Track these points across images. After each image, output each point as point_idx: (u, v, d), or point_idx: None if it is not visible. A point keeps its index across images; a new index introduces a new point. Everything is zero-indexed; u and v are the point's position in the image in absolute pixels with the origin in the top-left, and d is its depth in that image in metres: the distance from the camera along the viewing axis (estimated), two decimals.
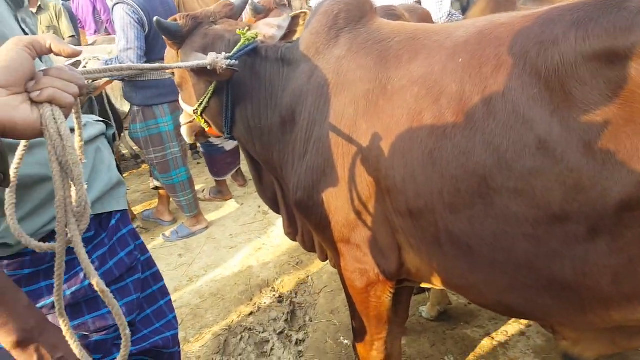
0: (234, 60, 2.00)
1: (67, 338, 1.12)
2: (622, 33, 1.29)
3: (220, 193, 5.82)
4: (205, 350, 3.42)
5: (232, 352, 3.38)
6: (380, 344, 2.26)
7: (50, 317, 1.42)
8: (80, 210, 1.06)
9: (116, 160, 1.79)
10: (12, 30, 1.36)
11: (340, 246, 2.04)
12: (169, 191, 4.99)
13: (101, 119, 1.78)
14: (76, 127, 1.17)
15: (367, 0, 2.01)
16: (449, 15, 4.31)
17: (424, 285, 2.11)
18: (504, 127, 1.44)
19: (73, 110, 1.11)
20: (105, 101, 4.92)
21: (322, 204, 2.00)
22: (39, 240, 1.41)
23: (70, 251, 1.51)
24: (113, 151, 1.80)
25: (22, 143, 1.10)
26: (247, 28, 2.26)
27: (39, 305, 1.44)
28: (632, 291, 1.42)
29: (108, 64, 4.09)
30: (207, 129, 2.59)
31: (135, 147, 7.15)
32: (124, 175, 7.05)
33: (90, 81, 1.15)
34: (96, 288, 1.05)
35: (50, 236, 1.46)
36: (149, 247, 1.99)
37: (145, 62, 4.22)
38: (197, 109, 2.39)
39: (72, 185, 1.04)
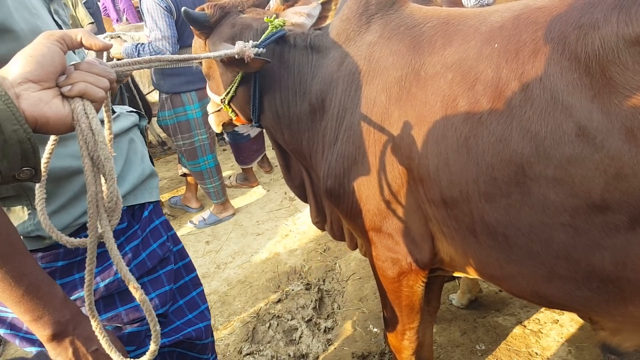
0: (261, 49, 1.98)
1: (97, 333, 1.12)
2: None
3: (247, 180, 5.84)
4: (234, 337, 3.44)
5: (260, 339, 3.39)
6: (412, 334, 2.24)
7: (84, 310, 1.42)
8: (111, 206, 1.06)
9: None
10: (45, 23, 1.36)
11: (371, 235, 2.02)
12: (197, 178, 5.01)
13: (134, 110, 1.78)
14: (106, 120, 1.17)
15: None
16: None
17: (456, 274, 2.08)
18: (542, 113, 1.40)
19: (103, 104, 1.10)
20: (134, 89, 4.94)
21: (353, 192, 1.98)
22: (71, 234, 1.43)
23: (103, 243, 1.53)
24: (145, 142, 1.79)
25: (52, 137, 1.10)
26: (274, 16, 2.24)
27: (73, 297, 1.45)
28: None
29: (138, 47, 4.12)
30: (234, 118, 2.58)
31: (162, 134, 7.19)
32: None
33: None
34: (127, 284, 1.05)
35: (82, 229, 1.46)
36: None
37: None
38: (224, 98, 2.39)
39: (104, 180, 1.03)
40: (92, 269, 1.10)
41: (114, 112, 1.64)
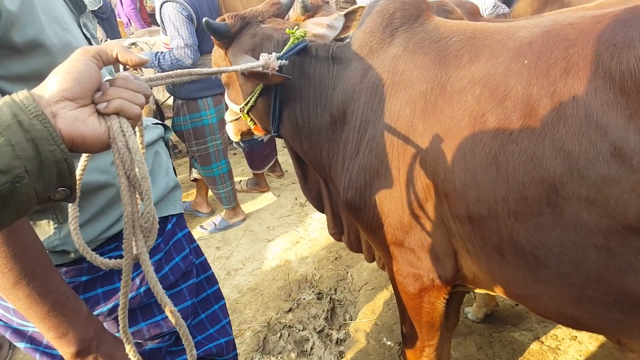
0: (284, 61, 1.97)
1: (130, 356, 1.10)
2: None
3: (257, 185, 5.82)
4: (245, 347, 3.41)
5: (271, 349, 3.36)
6: (431, 351, 2.21)
7: (106, 324, 1.41)
8: (148, 226, 1.03)
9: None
10: (75, 38, 1.35)
11: (392, 249, 1.99)
12: (209, 183, 5.00)
13: (160, 122, 1.76)
14: (138, 135, 1.15)
15: None
16: (494, 6, 4.20)
17: (478, 291, 2.05)
18: (576, 132, 1.37)
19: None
20: (152, 98, 4.93)
21: (375, 205, 1.95)
22: (95, 248, 1.41)
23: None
24: (170, 154, 1.78)
25: (84, 156, 1.08)
26: (296, 27, 2.23)
27: (95, 312, 1.43)
28: None
29: (158, 56, 4.12)
30: (253, 127, 2.57)
31: (173, 139, 7.18)
32: None
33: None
34: (163, 307, 1.02)
35: (106, 243, 1.45)
36: None
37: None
38: (243, 107, 2.38)
39: (139, 200, 1.01)
40: (126, 292, 1.07)
41: None
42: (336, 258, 4.34)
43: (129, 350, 1.11)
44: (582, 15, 1.53)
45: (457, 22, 1.90)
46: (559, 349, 2.97)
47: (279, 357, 3.27)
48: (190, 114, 4.59)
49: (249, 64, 1.86)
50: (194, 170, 5.16)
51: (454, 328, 2.56)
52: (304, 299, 3.82)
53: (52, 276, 1.21)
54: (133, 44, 4.57)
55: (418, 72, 1.78)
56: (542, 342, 3.04)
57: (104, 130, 0.93)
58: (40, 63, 1.18)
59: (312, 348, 3.31)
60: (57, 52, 1.21)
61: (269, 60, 1.83)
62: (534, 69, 1.49)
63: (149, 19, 9.21)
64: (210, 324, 1.79)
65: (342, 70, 2.08)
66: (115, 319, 1.51)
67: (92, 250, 1.41)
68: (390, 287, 3.79)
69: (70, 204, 1.05)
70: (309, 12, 2.60)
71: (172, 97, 4.81)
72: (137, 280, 1.52)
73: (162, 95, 5.44)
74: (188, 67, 4.12)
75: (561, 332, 3.09)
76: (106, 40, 7.25)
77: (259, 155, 5.47)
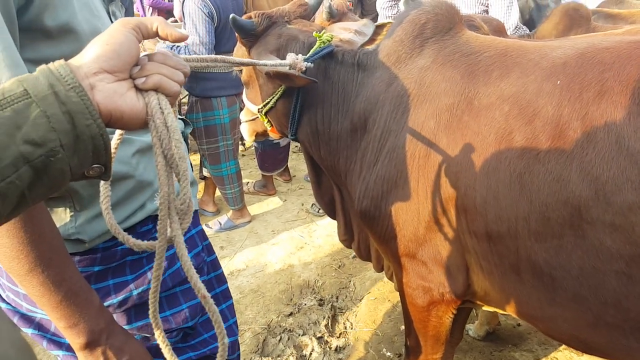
0: (309, 63, 1.95)
1: (159, 342, 1.09)
2: None
3: (265, 187, 5.82)
4: (244, 347, 3.39)
5: (270, 352, 3.35)
6: None
7: (115, 317, 1.40)
8: (184, 208, 0.99)
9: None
10: (105, 26, 1.33)
11: (404, 260, 1.98)
12: (217, 183, 5.00)
13: (180, 117, 1.75)
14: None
15: (456, 11, 1.94)
16: (515, 27, 4.20)
17: (486, 308, 2.04)
18: (605, 157, 1.36)
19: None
20: None
21: (390, 215, 1.94)
22: (110, 239, 1.40)
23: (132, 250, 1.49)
24: (187, 148, 1.77)
25: (118, 132, 1.05)
26: (323, 31, 2.22)
27: (105, 303, 1.41)
28: None
29: (173, 49, 4.11)
30: (269, 129, 2.56)
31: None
32: None
33: None
34: (197, 293, 0.99)
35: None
36: None
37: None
38: (262, 108, 2.36)
39: (176, 180, 0.97)
40: (158, 275, 1.05)
41: None
42: (339, 266, 4.33)
43: (158, 335, 1.09)
44: (619, 40, 1.53)
45: (489, 37, 1.90)
46: None
47: None
48: (204, 112, 4.60)
49: (276, 60, 1.85)
50: (204, 168, 5.17)
51: (458, 344, 2.54)
52: (305, 305, 3.81)
53: (67, 265, 1.19)
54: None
55: (445, 85, 1.77)
56: None
57: (142, 106, 0.90)
58: (70, 48, 1.14)
59: (311, 353, 3.30)
60: (87, 39, 1.19)
61: (296, 60, 1.82)
62: (566, 90, 1.48)
63: (165, 16, 9.26)
64: None
65: (367, 78, 2.07)
66: (125, 311, 1.50)
67: (105, 242, 1.41)
68: (393, 298, 3.78)
69: (102, 183, 1.03)
70: (335, 18, 2.60)
71: (187, 95, 4.83)
72: (149, 274, 1.50)
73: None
74: None
75: (561, 355, 3.07)
76: None
77: (272, 157, 5.48)
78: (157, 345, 1.49)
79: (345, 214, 2.59)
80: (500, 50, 1.75)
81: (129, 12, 7.78)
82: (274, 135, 2.66)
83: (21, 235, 1.09)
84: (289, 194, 5.87)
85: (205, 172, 5.16)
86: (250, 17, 2.31)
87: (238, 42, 2.45)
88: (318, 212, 5.24)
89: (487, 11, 4.28)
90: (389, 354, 3.22)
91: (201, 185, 5.65)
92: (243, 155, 7.06)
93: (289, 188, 6.02)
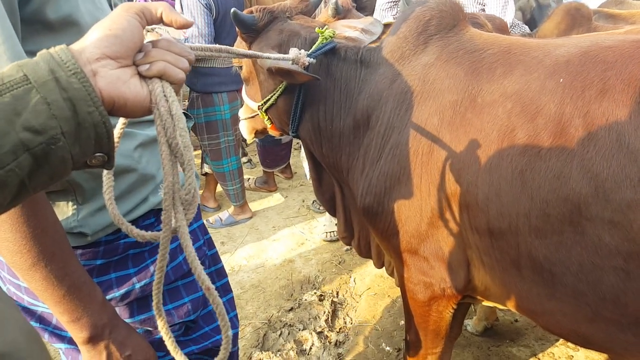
0: (312, 59, 1.96)
1: (163, 334, 1.08)
2: None
3: (266, 184, 5.84)
4: (244, 342, 3.41)
5: (271, 346, 3.36)
6: (434, 359, 2.21)
7: (117, 310, 1.40)
8: (188, 198, 0.98)
9: None
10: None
11: (405, 256, 2.00)
12: (219, 179, 5.02)
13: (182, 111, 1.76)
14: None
15: (460, 8, 1.95)
16: (511, 26, 4.21)
17: (487, 303, 2.06)
18: (605, 155, 1.37)
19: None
20: None
21: (393, 211, 1.95)
22: (111, 233, 1.40)
23: (140, 244, 1.49)
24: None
25: (121, 120, 1.04)
26: (326, 27, 2.22)
27: (108, 297, 1.42)
28: None
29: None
30: (269, 127, 2.55)
31: None
32: None
33: None
34: (201, 285, 0.98)
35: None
36: None
37: None
38: (262, 105, 2.36)
39: (181, 171, 0.96)
40: (163, 266, 1.04)
41: None
42: (340, 262, 4.35)
43: (162, 327, 1.09)
44: (622, 39, 1.54)
45: (493, 35, 1.91)
46: None
47: (278, 355, 3.27)
48: (205, 108, 4.61)
49: (279, 55, 1.86)
50: (205, 165, 5.18)
51: (456, 338, 2.55)
52: (306, 300, 3.83)
53: (70, 259, 1.19)
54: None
55: (449, 82, 1.79)
56: (539, 359, 3.04)
57: (146, 93, 0.88)
58: (71, 41, 1.11)
59: (311, 348, 3.32)
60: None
61: (299, 55, 1.83)
62: (569, 88, 1.50)
63: None
64: None
65: (370, 75, 2.08)
66: (127, 304, 1.50)
67: (107, 235, 1.41)
68: (392, 294, 3.80)
69: (105, 172, 1.03)
70: (340, 14, 2.61)
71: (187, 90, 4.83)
72: (152, 268, 1.51)
73: None
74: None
75: (558, 350, 3.09)
76: None
77: (273, 153, 5.50)
78: (160, 339, 1.50)
79: (345, 211, 2.60)
80: (504, 47, 1.76)
81: None
82: (273, 133, 2.65)
83: (24, 229, 1.09)
84: (290, 191, 5.89)
85: (207, 169, 5.18)
86: (251, 12, 2.31)
87: (238, 38, 2.44)
88: (319, 209, 5.25)
89: (484, 10, 4.29)
90: (388, 348, 3.25)
91: (202, 182, 5.67)
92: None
93: (290, 184, 6.04)
